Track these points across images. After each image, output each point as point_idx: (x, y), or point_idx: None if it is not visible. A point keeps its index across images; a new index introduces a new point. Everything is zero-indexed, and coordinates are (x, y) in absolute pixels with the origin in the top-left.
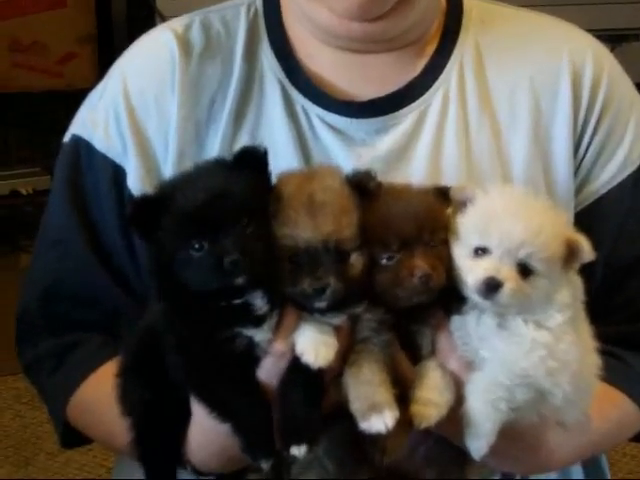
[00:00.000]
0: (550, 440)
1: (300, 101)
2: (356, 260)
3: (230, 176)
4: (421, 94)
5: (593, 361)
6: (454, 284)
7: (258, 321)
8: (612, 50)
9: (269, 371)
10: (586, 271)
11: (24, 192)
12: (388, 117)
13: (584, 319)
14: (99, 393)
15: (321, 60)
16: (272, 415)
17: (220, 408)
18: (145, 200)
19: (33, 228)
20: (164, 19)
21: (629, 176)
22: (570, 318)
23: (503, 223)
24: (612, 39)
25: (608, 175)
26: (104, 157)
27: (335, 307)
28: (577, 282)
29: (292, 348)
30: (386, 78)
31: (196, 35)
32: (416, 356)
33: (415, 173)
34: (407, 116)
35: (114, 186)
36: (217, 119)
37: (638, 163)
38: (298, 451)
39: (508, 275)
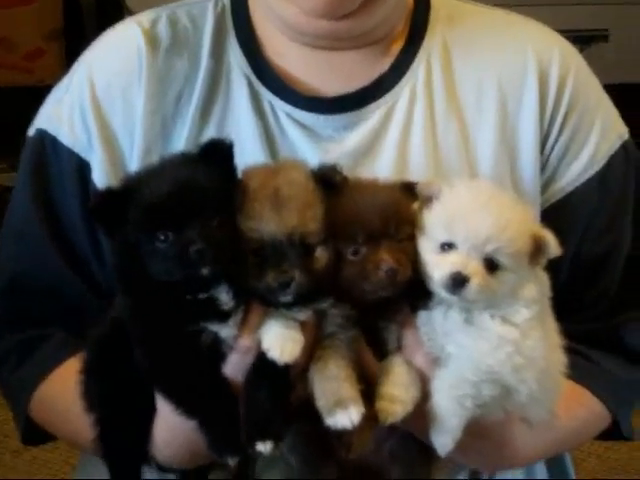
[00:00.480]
0: (515, 437)
1: (267, 97)
2: (321, 254)
3: (196, 168)
4: (388, 90)
5: (559, 358)
6: (421, 279)
7: (223, 316)
8: (581, 51)
9: (235, 367)
10: (553, 268)
11: None
12: (355, 113)
13: (550, 315)
14: (62, 389)
15: (288, 56)
16: (238, 411)
17: (186, 404)
18: (109, 193)
19: (0, 225)
20: (132, 14)
21: (595, 174)
22: (537, 314)
23: (469, 218)
24: (581, 40)
25: (574, 173)
26: (69, 151)
27: (300, 301)
28: (544, 278)
29: (258, 344)
30: (353, 75)
31: (163, 30)
32: (382, 352)
33: (382, 169)
34: (374, 112)
35: (79, 180)
36: (184, 114)
37: (604, 161)
38: (264, 447)
39: (475, 270)
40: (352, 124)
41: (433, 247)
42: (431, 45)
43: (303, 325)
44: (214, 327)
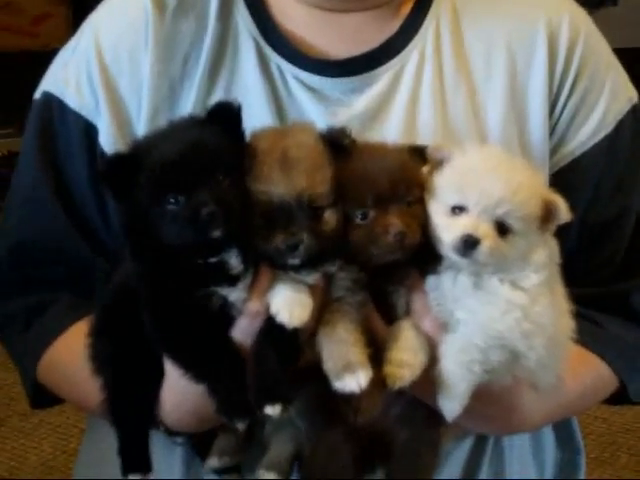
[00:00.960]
0: (523, 402)
1: (275, 60)
2: (330, 216)
3: (204, 131)
4: (397, 53)
5: (567, 324)
6: (430, 243)
7: (233, 280)
8: (590, 14)
9: (244, 331)
10: (561, 232)
11: None
12: (364, 76)
13: (559, 281)
14: (70, 352)
15: (296, 19)
16: (247, 375)
17: (194, 369)
18: (118, 157)
19: (8, 190)
20: None
21: (604, 138)
22: (546, 279)
23: (481, 181)
24: (590, 3)
25: (583, 137)
26: (76, 114)
27: (309, 264)
28: (553, 244)
29: (267, 307)
30: (362, 37)
31: None
32: (391, 316)
33: (390, 132)
34: (383, 75)
35: (86, 143)
36: (191, 76)
37: (613, 125)
38: (272, 410)
39: (486, 232)
40: (360, 87)
41: (444, 210)
42: (440, 8)
43: (312, 289)
44: (223, 291)
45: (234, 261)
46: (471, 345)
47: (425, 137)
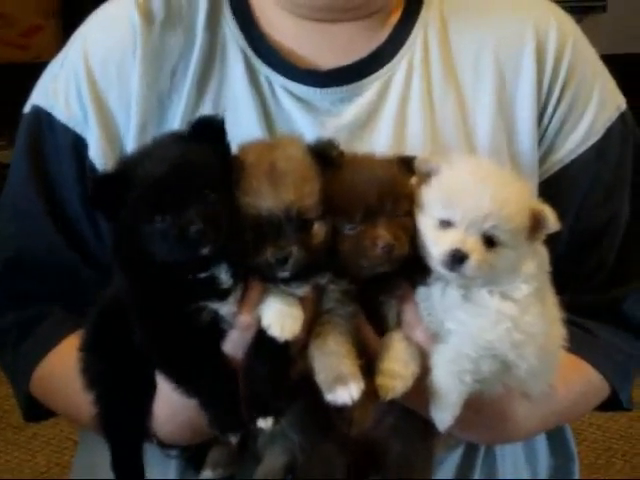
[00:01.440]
0: (515, 411)
1: (263, 70)
2: (319, 229)
3: (189, 147)
4: (385, 63)
5: (558, 332)
6: (419, 255)
7: (223, 295)
8: (579, 22)
9: (235, 344)
10: (551, 241)
11: None
12: (352, 86)
13: (550, 289)
14: (62, 366)
15: (284, 30)
16: (239, 388)
17: (186, 383)
18: (105, 178)
19: None
20: None
21: (593, 145)
22: (536, 289)
23: (467, 195)
24: (579, 10)
25: (572, 144)
26: (65, 127)
27: (298, 277)
28: (543, 253)
29: (258, 321)
30: (350, 47)
31: (157, 4)
32: (382, 327)
33: (379, 142)
34: (371, 85)
35: (75, 157)
36: (179, 89)
37: (602, 132)
38: (264, 423)
39: (473, 247)
40: (349, 97)
41: (432, 224)
42: (428, 17)
43: (303, 301)
44: (214, 305)
45: (224, 276)
46: (462, 355)
47: (414, 146)
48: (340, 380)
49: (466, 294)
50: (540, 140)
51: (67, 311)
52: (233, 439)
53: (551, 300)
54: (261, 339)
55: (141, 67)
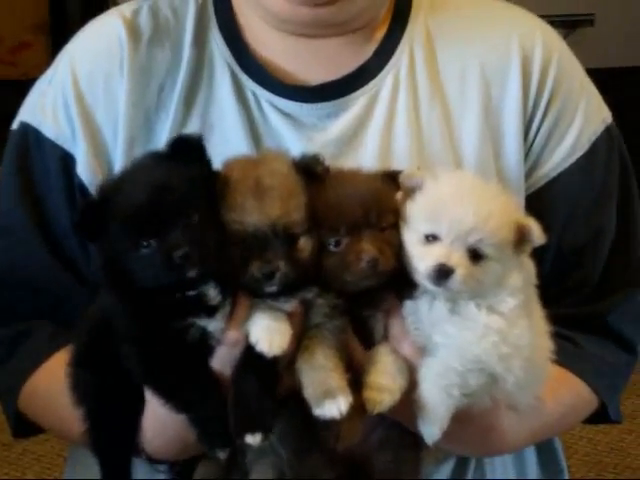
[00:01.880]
0: (503, 423)
1: (250, 86)
2: (305, 243)
3: (168, 169)
4: (371, 78)
5: (545, 345)
6: (406, 269)
7: (211, 311)
8: (566, 36)
9: (223, 360)
10: (538, 254)
11: None
12: (339, 101)
13: (537, 302)
14: (51, 382)
15: (271, 45)
16: (227, 404)
17: (174, 399)
18: (88, 206)
19: None
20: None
21: (579, 159)
22: (522, 302)
23: (452, 210)
24: (567, 24)
25: (558, 158)
26: (53, 144)
27: (286, 291)
28: (529, 266)
29: (245, 336)
30: (336, 62)
31: (144, 21)
32: (369, 341)
33: (366, 157)
34: (358, 100)
35: (63, 173)
36: (167, 105)
37: (588, 146)
38: (253, 440)
39: (459, 261)
40: (335, 112)
41: (417, 239)
42: (414, 32)
43: (290, 316)
44: (202, 322)
45: (212, 292)
46: (449, 369)
47: (401, 161)
48: (328, 394)
49: (453, 307)
50: (526, 154)
51: (56, 326)
52: (222, 455)
53: (538, 313)
54: (249, 355)
55: (128, 83)
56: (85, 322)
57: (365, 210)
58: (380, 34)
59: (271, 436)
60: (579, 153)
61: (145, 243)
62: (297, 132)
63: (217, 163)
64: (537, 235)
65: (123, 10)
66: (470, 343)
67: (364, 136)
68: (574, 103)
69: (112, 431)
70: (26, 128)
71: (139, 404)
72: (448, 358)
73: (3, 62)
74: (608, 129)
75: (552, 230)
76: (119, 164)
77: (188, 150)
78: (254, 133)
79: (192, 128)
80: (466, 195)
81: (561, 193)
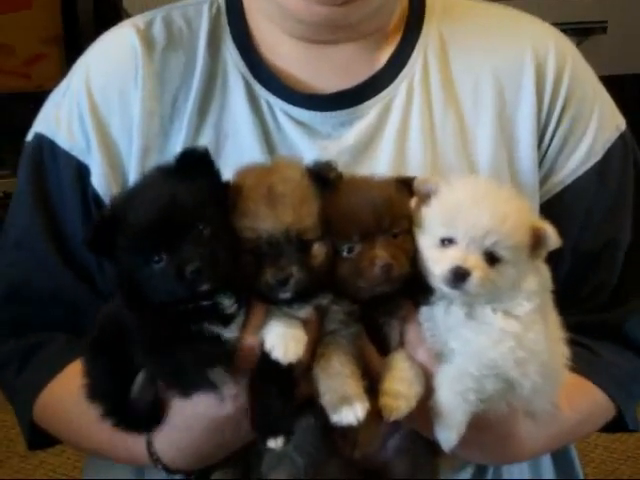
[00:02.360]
0: (520, 430)
1: (264, 95)
2: (318, 250)
3: (176, 183)
4: (385, 86)
5: (561, 351)
6: (421, 275)
7: (227, 320)
8: (579, 43)
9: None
10: (554, 261)
11: None
12: (353, 110)
13: (552, 308)
14: (65, 393)
15: (284, 54)
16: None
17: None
18: (99, 223)
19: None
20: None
21: (593, 166)
22: (538, 306)
23: (468, 213)
24: (579, 32)
25: (573, 165)
26: (68, 155)
27: (300, 298)
28: (545, 271)
29: (261, 343)
30: (350, 70)
31: (158, 31)
32: (385, 348)
33: (381, 165)
34: (372, 108)
35: (78, 184)
36: (181, 114)
37: (602, 153)
38: (275, 443)
39: (475, 264)
40: (350, 121)
41: (433, 243)
42: (427, 39)
43: (306, 323)
44: (217, 329)
45: (227, 302)
46: (466, 374)
47: (415, 168)
48: (345, 401)
49: (470, 312)
50: (541, 162)
51: (70, 337)
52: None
53: (553, 319)
54: (265, 361)
55: (143, 93)
56: (94, 333)
57: (378, 216)
58: (394, 41)
59: (292, 438)
60: (594, 160)
61: (157, 258)
62: (311, 141)
63: (231, 173)
64: (552, 238)
65: (136, 21)
66: (486, 348)
67: (378, 144)
68: (588, 110)
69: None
70: (41, 139)
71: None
72: (464, 363)
73: (17, 74)
74: (622, 136)
75: (567, 237)
76: (134, 174)
77: (195, 163)
78: (268, 142)
79: (206, 138)
80: (481, 199)
81: (576, 200)
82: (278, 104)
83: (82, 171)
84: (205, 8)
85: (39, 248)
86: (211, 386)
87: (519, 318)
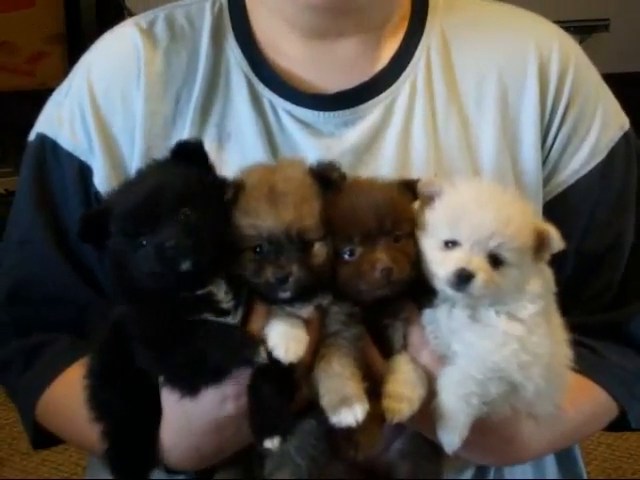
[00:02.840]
0: (523, 432)
1: (267, 95)
2: (319, 249)
3: (166, 171)
4: (389, 85)
5: (565, 353)
6: (424, 277)
7: (222, 315)
8: (582, 41)
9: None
10: (557, 262)
11: None
12: (356, 109)
13: (555, 310)
14: (68, 394)
15: (287, 52)
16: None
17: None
18: (90, 214)
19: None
20: (133, 16)
21: (597, 165)
22: (542, 309)
23: (472, 215)
24: (582, 30)
25: (576, 165)
26: (70, 155)
27: (300, 297)
28: (548, 273)
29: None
30: (353, 68)
31: (160, 30)
32: (388, 350)
33: (384, 165)
34: (375, 108)
35: (81, 184)
36: (184, 114)
37: (606, 152)
38: (271, 444)
39: (479, 266)
40: (353, 120)
41: (436, 245)
42: (430, 38)
43: (308, 324)
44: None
45: (222, 295)
46: (468, 377)
47: (418, 168)
48: (344, 402)
49: (473, 314)
50: (544, 161)
51: (74, 337)
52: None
53: (557, 321)
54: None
55: (145, 93)
56: (100, 334)
57: (379, 219)
58: (397, 38)
59: (290, 441)
60: (597, 159)
61: (143, 242)
62: (314, 140)
63: (234, 172)
64: (556, 241)
65: (139, 21)
66: (490, 351)
67: (381, 144)
68: (591, 110)
69: (130, 445)
70: (43, 139)
71: (157, 416)
72: (467, 366)
73: (21, 72)
74: (626, 135)
75: (571, 237)
76: None
77: (189, 154)
78: (271, 142)
79: (209, 137)
80: (485, 201)
81: (580, 200)
82: (281, 103)
83: (84, 171)
84: (207, 6)
85: (42, 248)
86: (213, 385)
87: (523, 321)
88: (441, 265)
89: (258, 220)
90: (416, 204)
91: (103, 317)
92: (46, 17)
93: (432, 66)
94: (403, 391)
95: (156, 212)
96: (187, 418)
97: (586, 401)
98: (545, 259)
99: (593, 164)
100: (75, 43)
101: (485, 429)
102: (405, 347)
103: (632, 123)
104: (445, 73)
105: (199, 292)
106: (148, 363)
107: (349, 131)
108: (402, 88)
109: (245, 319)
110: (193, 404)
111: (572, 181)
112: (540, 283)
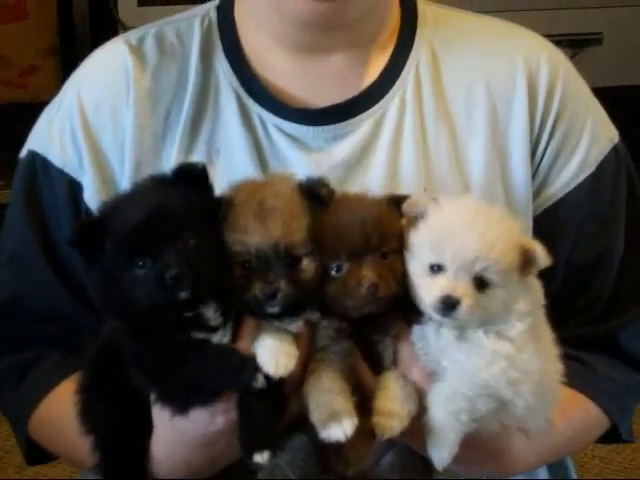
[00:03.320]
0: (513, 447)
1: (256, 110)
2: (307, 265)
3: (168, 192)
4: (378, 100)
5: (555, 368)
6: (411, 294)
7: (211, 330)
8: (574, 55)
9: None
10: (547, 274)
11: None
12: (345, 124)
13: (545, 324)
14: (61, 409)
15: (276, 67)
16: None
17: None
18: (86, 224)
19: None
20: (127, 30)
21: (586, 179)
22: (531, 325)
23: (456, 239)
24: (575, 43)
25: (566, 178)
26: (60, 172)
27: (288, 312)
28: (537, 287)
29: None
30: (342, 83)
31: (150, 47)
32: (378, 365)
33: (373, 179)
34: (364, 122)
35: (71, 201)
36: (173, 130)
37: (595, 166)
38: (261, 458)
39: (464, 292)
40: (342, 135)
41: (422, 269)
42: (419, 52)
43: (297, 338)
44: (203, 335)
45: (211, 314)
46: (458, 394)
47: (408, 184)
48: (333, 417)
49: (460, 334)
50: (533, 175)
51: (65, 353)
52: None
53: (547, 335)
54: None
55: (135, 109)
56: (92, 348)
57: (366, 236)
58: (386, 53)
59: (280, 454)
60: (587, 172)
61: (140, 263)
62: (304, 155)
63: (223, 188)
64: (542, 258)
65: (129, 37)
66: (478, 369)
67: (371, 158)
68: (581, 123)
69: (122, 459)
70: (34, 156)
71: (148, 430)
72: (456, 383)
73: (14, 85)
74: (615, 148)
75: (561, 250)
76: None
77: (191, 178)
78: (261, 157)
79: (198, 153)
80: (469, 223)
81: (569, 212)
82: (270, 119)
83: (75, 188)
84: (197, 22)
85: (33, 264)
86: (204, 403)
87: (511, 339)
88: (427, 291)
89: (246, 236)
90: (403, 221)
91: (95, 333)
92: (39, 30)
93: (421, 80)
94: (393, 407)
95: (157, 235)
96: (178, 432)
97: (576, 414)
98: (532, 274)
99: (582, 177)
100: (68, 56)
101: (475, 444)
102: (395, 363)
103: (623, 136)
104: (434, 87)
105: (188, 314)
106: (140, 382)
107: (338, 145)
108: (391, 102)
109: (235, 334)
110: (183, 418)
111: (562, 194)
112: (528, 301)
